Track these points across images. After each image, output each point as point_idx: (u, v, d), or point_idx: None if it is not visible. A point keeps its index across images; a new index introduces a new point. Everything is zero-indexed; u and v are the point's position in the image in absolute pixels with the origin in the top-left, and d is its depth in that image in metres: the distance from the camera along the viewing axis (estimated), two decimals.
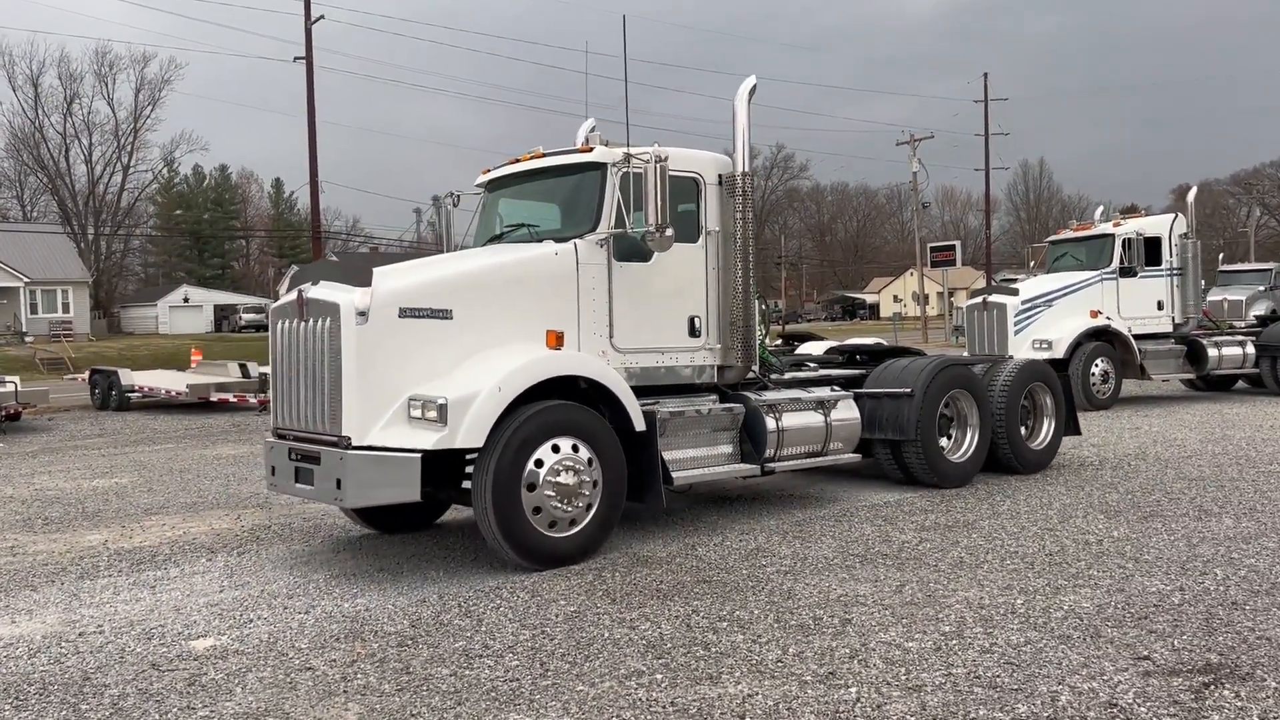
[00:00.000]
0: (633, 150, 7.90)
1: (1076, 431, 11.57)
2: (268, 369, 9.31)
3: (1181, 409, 17.42)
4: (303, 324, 7.31)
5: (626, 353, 8.07)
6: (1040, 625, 5.64)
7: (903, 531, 8.10)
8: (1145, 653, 5.16)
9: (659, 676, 5.05)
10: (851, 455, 9.64)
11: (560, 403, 7.30)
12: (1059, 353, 17.16)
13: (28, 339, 52.90)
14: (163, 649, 5.73)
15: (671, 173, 7.81)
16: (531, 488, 7.06)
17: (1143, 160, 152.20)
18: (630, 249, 8.02)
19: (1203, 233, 19.85)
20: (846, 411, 9.47)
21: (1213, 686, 4.70)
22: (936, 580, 6.62)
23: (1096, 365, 17.63)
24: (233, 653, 5.62)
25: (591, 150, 8.15)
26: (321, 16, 36.51)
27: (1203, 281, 19.58)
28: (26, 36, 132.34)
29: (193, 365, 27.36)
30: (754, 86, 8.63)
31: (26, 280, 58.00)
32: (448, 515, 9.07)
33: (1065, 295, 18.06)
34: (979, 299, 18.91)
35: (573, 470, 7.20)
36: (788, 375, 9.56)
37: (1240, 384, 20.70)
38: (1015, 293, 18.37)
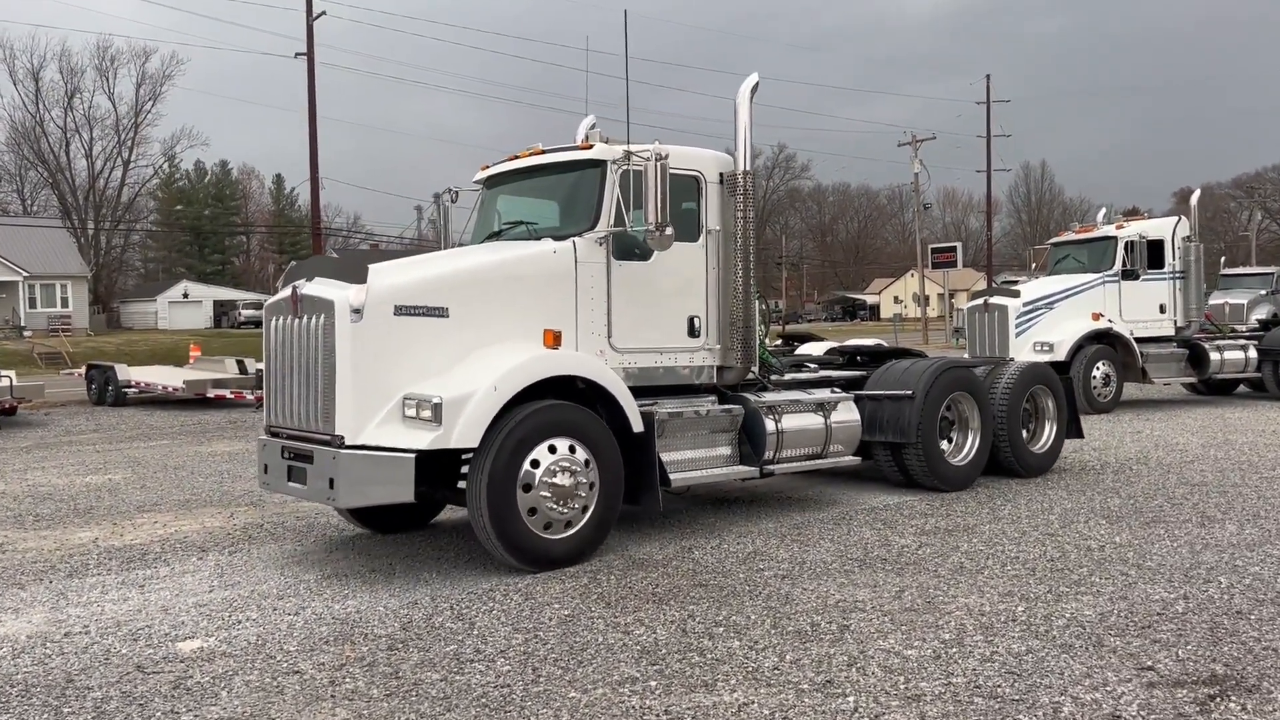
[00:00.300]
0: (633, 148, 7.80)
1: (1078, 435, 11.48)
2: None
3: (1183, 413, 17.33)
4: (297, 321, 7.22)
5: (625, 353, 7.97)
6: (1042, 633, 5.54)
7: (902, 536, 8.01)
8: (1149, 663, 5.07)
9: (653, 683, 4.95)
10: (851, 458, 9.54)
11: (557, 403, 7.20)
12: (1060, 355, 17.08)
13: (26, 333, 52.82)
14: (149, 650, 5.63)
15: (672, 171, 7.71)
16: (527, 489, 6.96)
17: (1145, 163, 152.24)
18: (630, 248, 7.92)
19: (1204, 236, 19.71)
20: (847, 413, 9.38)
21: (1218, 699, 4.60)
22: (936, 586, 6.53)
23: (1098, 368, 17.54)
24: (220, 655, 5.52)
25: (591, 147, 8.06)
26: (323, 13, 36.48)
27: (1205, 285, 19.50)
28: (28, 30, 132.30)
29: (191, 361, 27.31)
30: (756, 84, 8.53)
31: (25, 274, 57.90)
32: (443, 515, 8.97)
33: (1067, 298, 17.97)
34: (980, 301, 18.82)
35: (569, 471, 7.11)
36: (787, 376, 9.47)
37: (1242, 388, 20.64)
38: (1016, 295, 18.29)
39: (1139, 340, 17.99)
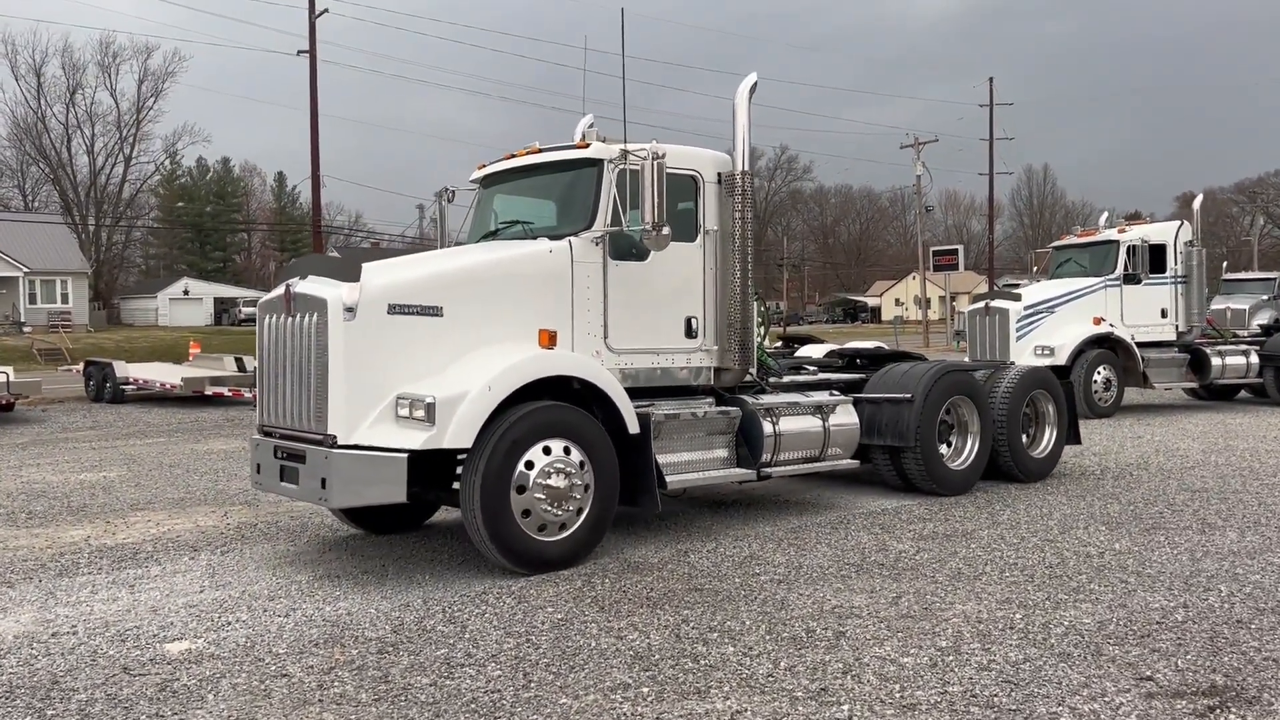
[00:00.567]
0: (630, 147, 7.74)
1: (1077, 440, 11.40)
2: None
3: (1184, 418, 17.26)
4: (290, 319, 7.15)
5: (621, 353, 7.91)
6: (1040, 642, 5.47)
7: (900, 540, 7.94)
8: (1148, 673, 4.99)
9: (645, 690, 4.88)
10: (849, 461, 9.47)
11: (552, 404, 7.13)
12: (1061, 360, 17.01)
13: (26, 329, 52.79)
14: (136, 652, 5.57)
15: (669, 170, 7.64)
16: (521, 490, 6.90)
17: (1147, 167, 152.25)
18: (626, 247, 7.86)
19: (1207, 241, 19.65)
20: (845, 416, 9.31)
21: (1218, 710, 4.53)
22: (934, 592, 6.46)
23: (1099, 373, 17.47)
24: (208, 657, 5.45)
25: (588, 146, 7.99)
26: (325, 10, 36.36)
27: (1207, 290, 19.42)
28: (30, 26, 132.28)
29: (190, 358, 27.27)
30: (754, 85, 8.47)
31: (26, 270, 57.90)
32: (438, 516, 8.90)
33: (1068, 302, 17.90)
34: (981, 304, 18.74)
35: (564, 473, 7.04)
36: (786, 379, 9.40)
37: (1243, 394, 20.55)
38: (1018, 298, 18.21)
39: (1140, 345, 17.92)
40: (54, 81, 75.70)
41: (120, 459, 13.67)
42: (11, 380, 19.28)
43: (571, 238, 7.71)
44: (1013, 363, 13.85)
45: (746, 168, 8.35)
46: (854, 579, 6.81)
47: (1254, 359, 19.08)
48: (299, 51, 36.40)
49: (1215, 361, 18.55)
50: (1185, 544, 7.70)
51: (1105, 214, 20.19)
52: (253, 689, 4.98)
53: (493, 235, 8.51)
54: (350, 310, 6.75)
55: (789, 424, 8.70)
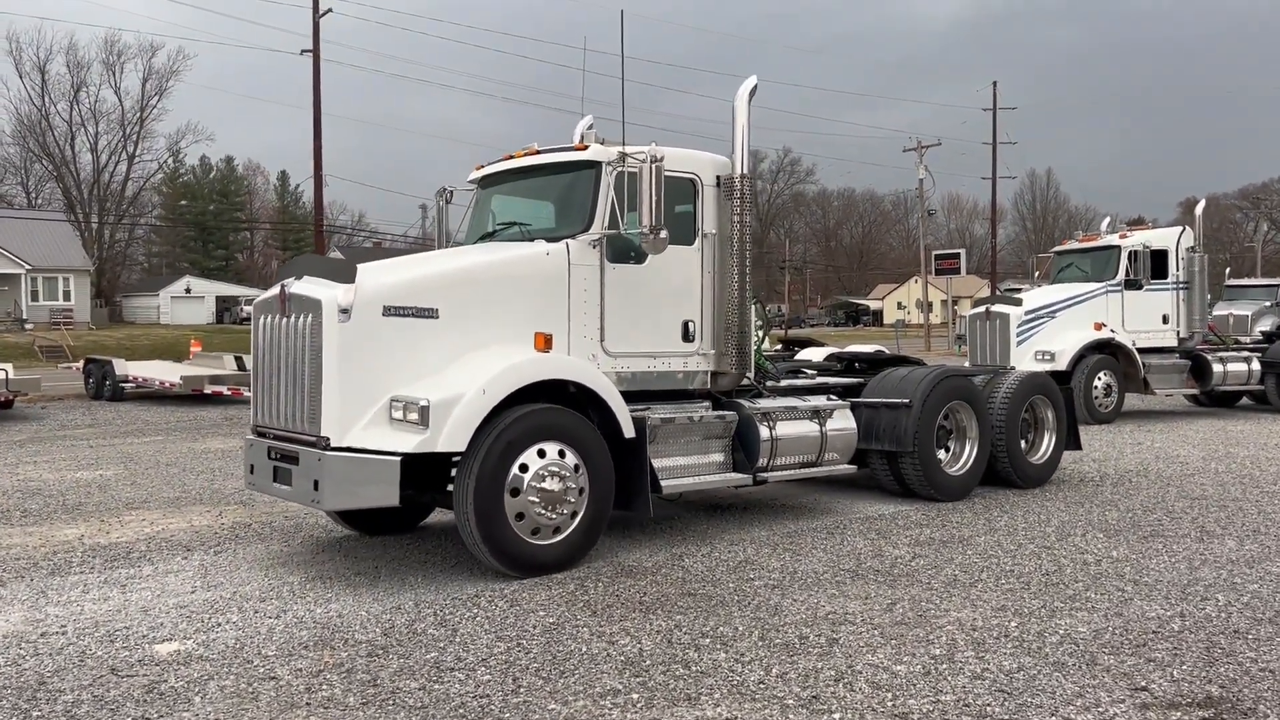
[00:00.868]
0: (628, 149, 7.71)
1: (1077, 446, 11.36)
2: None
3: (1184, 425, 17.20)
4: (284, 320, 7.12)
5: (617, 356, 7.87)
6: (1034, 650, 5.43)
7: (896, 546, 7.90)
8: (1143, 683, 4.95)
9: (635, 696, 4.85)
10: (847, 466, 9.42)
11: (547, 407, 7.10)
12: (1061, 365, 16.96)
13: (28, 326, 52.83)
14: (125, 652, 5.53)
15: (668, 173, 7.61)
16: (515, 493, 6.86)
17: (1150, 173, 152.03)
18: (624, 250, 7.82)
19: (1209, 247, 19.62)
20: (843, 421, 9.27)
21: None
22: (929, 599, 6.42)
23: (1099, 378, 17.43)
24: (196, 658, 5.42)
25: (586, 148, 7.96)
26: (329, 10, 36.38)
27: (1209, 296, 19.37)
28: (35, 24, 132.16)
29: (191, 356, 27.27)
30: (754, 88, 8.43)
31: (28, 267, 57.93)
32: (432, 518, 8.87)
33: (1069, 306, 17.86)
34: (982, 308, 18.70)
35: (558, 476, 7.00)
36: (783, 383, 9.36)
37: (1244, 400, 20.50)
38: (1019, 303, 18.17)
39: (1141, 350, 17.88)
40: (58, 79, 76.00)
41: (117, 457, 13.65)
42: (10, 377, 19.28)
43: (569, 240, 7.67)
44: (1012, 368, 13.83)
45: (746, 171, 8.31)
46: (849, 585, 6.77)
47: (1255, 365, 19.04)
48: (303, 51, 36.49)
49: (1216, 368, 18.51)
50: (1183, 552, 7.66)
51: (1107, 219, 20.15)
52: (240, 691, 4.94)
53: (490, 236, 8.47)
54: (345, 311, 6.72)
55: (786, 428, 8.67)
